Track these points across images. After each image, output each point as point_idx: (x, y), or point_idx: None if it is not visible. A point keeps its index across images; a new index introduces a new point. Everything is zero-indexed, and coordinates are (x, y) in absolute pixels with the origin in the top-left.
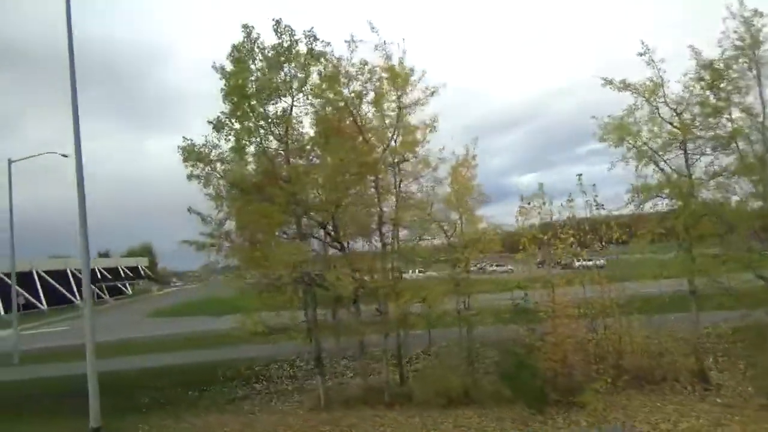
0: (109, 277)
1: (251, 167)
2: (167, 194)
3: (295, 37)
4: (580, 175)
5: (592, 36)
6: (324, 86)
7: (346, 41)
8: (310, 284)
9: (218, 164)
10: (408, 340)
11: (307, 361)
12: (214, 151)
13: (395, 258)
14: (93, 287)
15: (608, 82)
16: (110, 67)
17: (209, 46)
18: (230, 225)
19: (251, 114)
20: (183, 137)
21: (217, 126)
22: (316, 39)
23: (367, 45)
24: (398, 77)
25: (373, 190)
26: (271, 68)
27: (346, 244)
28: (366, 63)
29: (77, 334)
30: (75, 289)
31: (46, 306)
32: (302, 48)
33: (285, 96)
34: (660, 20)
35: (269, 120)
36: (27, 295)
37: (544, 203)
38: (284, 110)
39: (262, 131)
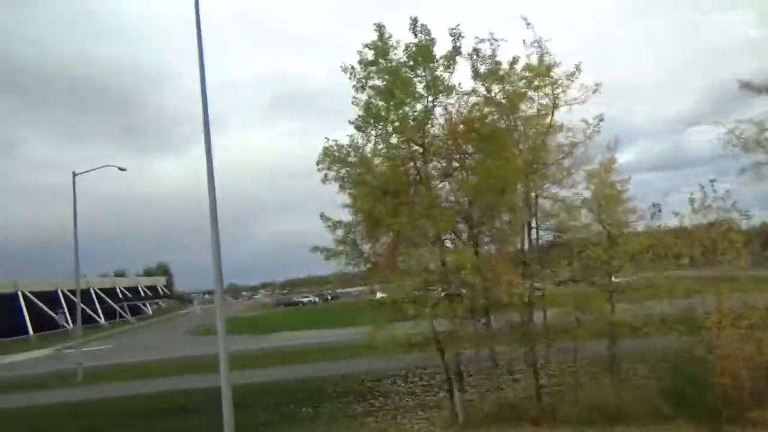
0: (130, 296)
1: (386, 169)
2: (172, 213)
3: (432, 36)
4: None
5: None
6: (477, 85)
7: (487, 39)
8: (458, 293)
9: (357, 167)
10: (547, 352)
11: (420, 376)
12: (352, 152)
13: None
14: (115, 306)
15: None
16: (113, 91)
17: (211, 73)
18: (359, 231)
19: (389, 114)
20: (325, 137)
21: (362, 126)
22: (461, 36)
23: (509, 42)
24: (547, 74)
25: (522, 193)
26: (408, 67)
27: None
28: (516, 60)
29: (124, 352)
30: (97, 307)
31: (71, 325)
32: (441, 46)
33: (424, 96)
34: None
35: (408, 120)
36: (52, 313)
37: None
38: (423, 110)
39: (398, 133)
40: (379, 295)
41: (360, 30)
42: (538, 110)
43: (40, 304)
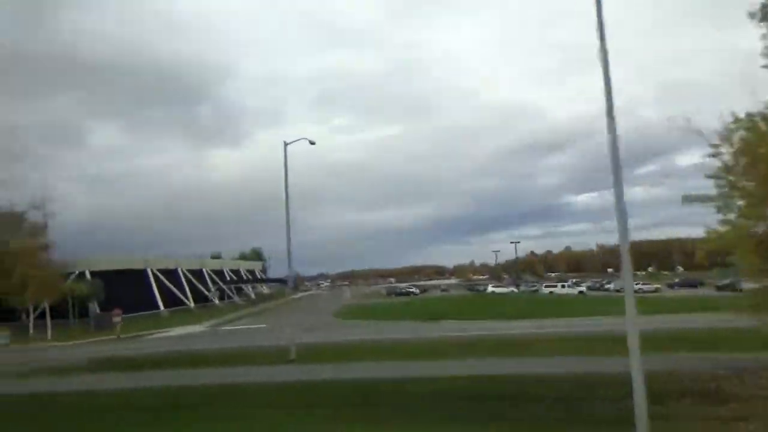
0: (235, 278)
1: None
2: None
3: None
4: None
5: (650, 54)
6: None
7: None
8: None
9: None
10: None
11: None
12: None
13: None
14: (224, 288)
15: None
16: (177, 84)
17: (266, 66)
18: None
19: None
20: None
21: None
22: None
23: None
24: None
25: None
26: None
27: None
28: None
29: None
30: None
31: (192, 303)
32: None
33: None
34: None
35: None
36: (178, 292)
37: None
38: None
39: None
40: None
41: (410, 25)
42: None
43: (165, 280)
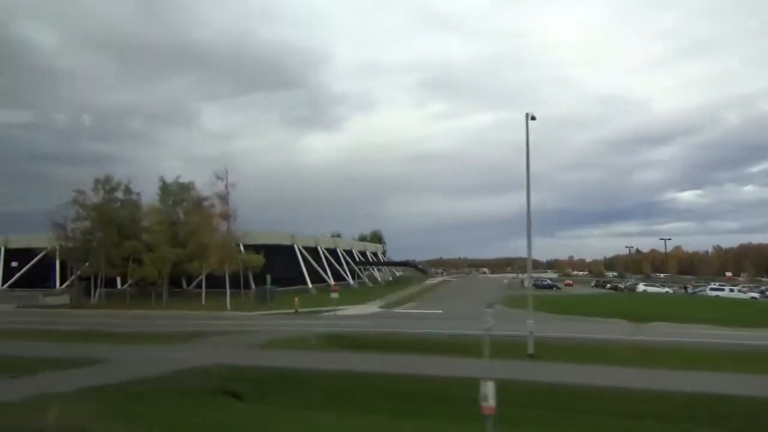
0: (363, 259)
1: None
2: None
3: None
4: None
5: None
6: None
7: None
8: None
9: None
10: None
11: None
12: None
13: None
14: (356, 269)
15: None
16: (277, 70)
17: (364, 52)
18: None
19: None
20: None
21: None
22: None
23: None
24: None
25: None
26: None
27: None
28: None
29: (465, 320)
30: (326, 266)
31: (333, 281)
32: None
33: None
34: None
35: None
36: (320, 269)
37: None
38: None
39: None
40: None
41: (514, 12)
42: None
43: (309, 257)
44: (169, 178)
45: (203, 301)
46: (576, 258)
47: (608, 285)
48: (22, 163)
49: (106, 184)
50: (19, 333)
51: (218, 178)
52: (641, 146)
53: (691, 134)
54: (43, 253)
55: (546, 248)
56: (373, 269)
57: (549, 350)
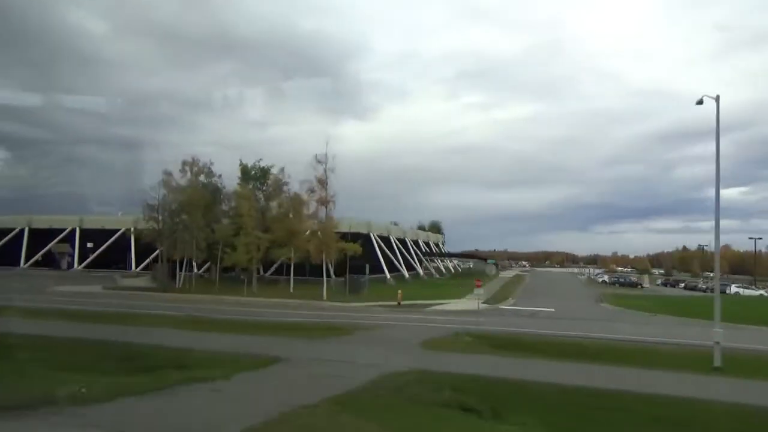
0: (426, 249)
1: None
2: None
3: None
4: None
5: None
6: None
7: None
8: None
9: None
10: None
11: None
12: None
13: None
14: (423, 259)
15: None
16: (314, 59)
17: (399, 44)
18: None
19: None
20: None
21: None
22: None
23: None
24: None
25: None
26: None
27: None
28: None
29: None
30: (398, 255)
31: (406, 272)
32: None
33: None
34: None
35: None
36: (394, 259)
37: None
38: None
39: None
40: None
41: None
42: None
43: (384, 247)
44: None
45: (291, 289)
46: (619, 254)
47: (681, 284)
48: (67, 146)
49: (193, 166)
50: (137, 318)
51: (318, 161)
52: (683, 141)
53: (738, 129)
54: (119, 233)
55: (581, 243)
56: (438, 260)
57: (738, 363)
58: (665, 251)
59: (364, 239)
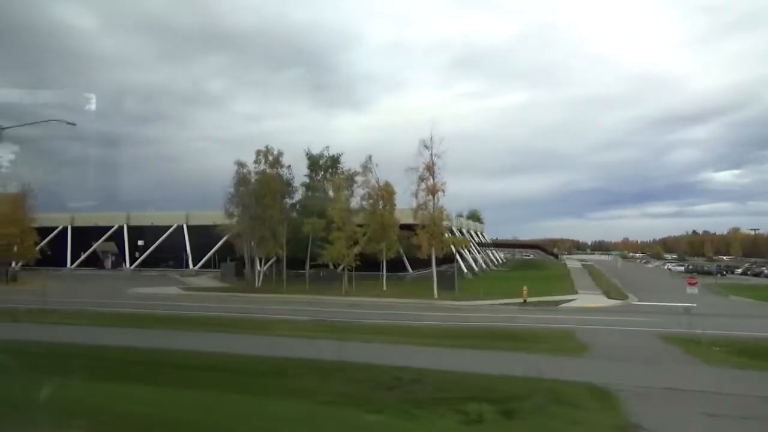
0: (479, 240)
1: None
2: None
3: None
4: None
5: None
6: None
7: None
8: None
9: None
10: None
11: None
12: None
13: None
14: (479, 251)
15: None
16: (307, 51)
17: (392, 34)
18: None
19: None
20: None
21: None
22: None
23: None
24: None
25: None
26: None
27: None
28: None
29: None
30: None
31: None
32: None
33: None
34: None
35: None
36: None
37: None
38: None
39: None
40: None
41: None
42: None
43: None
44: (207, 158)
45: (384, 287)
46: (630, 239)
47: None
48: (64, 143)
49: (268, 155)
50: (275, 326)
51: (425, 146)
52: (676, 125)
53: (730, 112)
54: (170, 230)
55: (578, 230)
56: (491, 251)
57: None
58: (671, 235)
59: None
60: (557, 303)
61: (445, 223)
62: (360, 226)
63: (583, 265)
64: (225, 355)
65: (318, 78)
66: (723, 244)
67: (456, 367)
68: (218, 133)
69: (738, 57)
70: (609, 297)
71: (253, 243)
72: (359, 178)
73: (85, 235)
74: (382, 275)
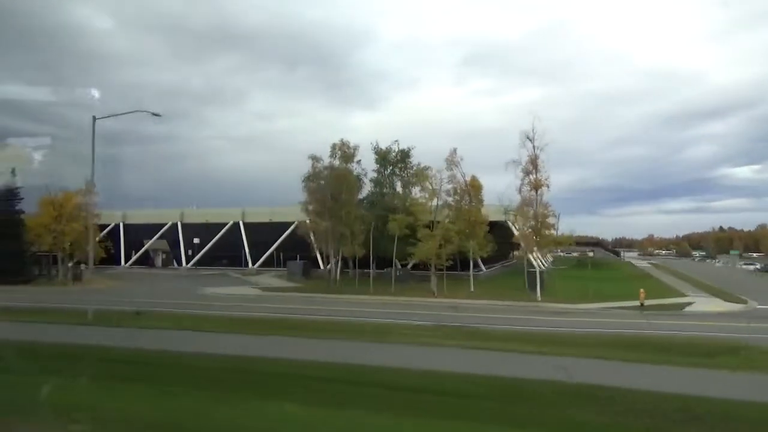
0: None
1: None
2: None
3: None
4: None
5: None
6: None
7: None
8: None
9: None
10: None
11: None
12: None
13: None
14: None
15: None
16: (320, 49)
17: (405, 31)
18: None
19: None
20: None
21: None
22: None
23: None
24: None
25: None
26: None
27: None
28: None
29: None
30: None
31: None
32: None
33: None
34: None
35: None
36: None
37: None
38: None
39: None
40: None
41: None
42: None
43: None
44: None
45: (472, 288)
46: (656, 236)
47: None
48: (78, 143)
49: (343, 149)
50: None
51: (527, 138)
52: (693, 121)
53: (749, 107)
54: (226, 227)
55: (594, 226)
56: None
57: None
58: (695, 232)
59: (501, 227)
60: (679, 307)
61: (549, 220)
62: (452, 223)
63: (649, 263)
64: (404, 369)
65: (331, 76)
66: (751, 240)
67: (686, 390)
68: (229, 131)
69: (757, 51)
70: (726, 300)
71: (329, 241)
72: (444, 174)
73: (135, 233)
74: (469, 275)
